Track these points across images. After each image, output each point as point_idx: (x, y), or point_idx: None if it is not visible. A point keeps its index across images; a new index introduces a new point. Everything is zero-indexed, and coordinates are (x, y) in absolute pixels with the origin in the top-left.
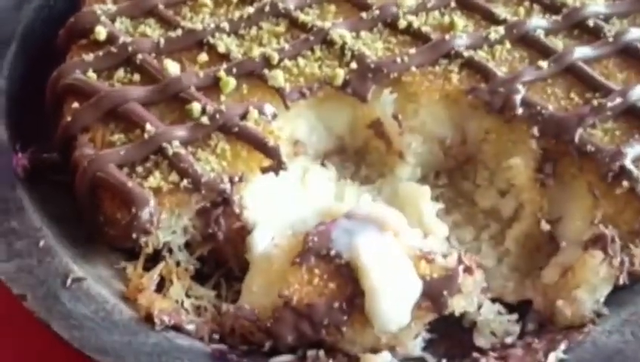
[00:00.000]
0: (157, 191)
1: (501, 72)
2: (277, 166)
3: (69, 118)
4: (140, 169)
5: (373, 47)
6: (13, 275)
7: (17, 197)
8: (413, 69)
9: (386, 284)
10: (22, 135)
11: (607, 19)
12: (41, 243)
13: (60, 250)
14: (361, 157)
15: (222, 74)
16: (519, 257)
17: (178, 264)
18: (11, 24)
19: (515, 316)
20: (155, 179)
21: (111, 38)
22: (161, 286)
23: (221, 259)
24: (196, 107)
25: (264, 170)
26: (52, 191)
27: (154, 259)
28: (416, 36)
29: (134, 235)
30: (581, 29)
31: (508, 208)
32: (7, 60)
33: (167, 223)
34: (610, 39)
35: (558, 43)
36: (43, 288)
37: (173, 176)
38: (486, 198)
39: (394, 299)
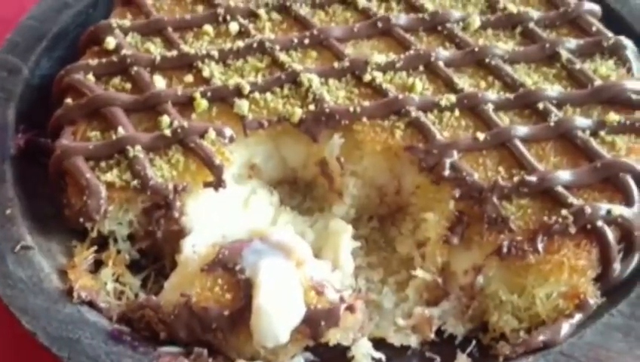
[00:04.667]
0: (110, 185)
1: (442, 136)
2: (217, 183)
3: (60, 111)
4: (103, 164)
5: (335, 93)
6: None
7: (3, 170)
8: (364, 119)
9: (272, 304)
10: (29, 120)
11: (560, 105)
12: (8, 211)
13: (22, 220)
14: (308, 190)
15: (197, 95)
16: (416, 304)
17: (119, 252)
18: (49, 24)
19: (382, 356)
20: (111, 175)
21: (118, 49)
22: (99, 267)
23: (158, 255)
24: (165, 120)
25: (206, 185)
26: (36, 171)
27: (105, 244)
28: (377, 91)
29: (81, 220)
30: (532, 110)
31: (418, 259)
32: (36, 53)
33: (114, 215)
34: (552, 124)
35: (505, 119)
36: None
37: (127, 176)
38: (404, 246)
39: (275, 319)
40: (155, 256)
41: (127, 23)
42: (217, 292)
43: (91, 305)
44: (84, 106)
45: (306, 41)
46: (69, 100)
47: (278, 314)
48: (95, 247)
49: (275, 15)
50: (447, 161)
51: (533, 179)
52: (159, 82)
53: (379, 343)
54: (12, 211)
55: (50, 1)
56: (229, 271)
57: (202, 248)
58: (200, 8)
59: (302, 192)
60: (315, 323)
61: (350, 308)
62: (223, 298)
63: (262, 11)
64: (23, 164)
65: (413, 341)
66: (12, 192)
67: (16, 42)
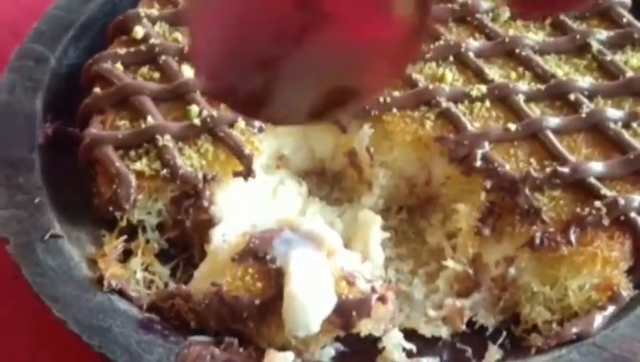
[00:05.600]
0: (140, 174)
1: (473, 126)
2: (247, 173)
3: (88, 100)
4: (132, 153)
5: None
6: (5, 221)
7: (31, 159)
8: (394, 110)
9: (304, 293)
10: (56, 109)
11: (591, 96)
12: (37, 200)
13: (51, 209)
14: (336, 181)
15: None
16: (447, 296)
17: (148, 241)
18: (76, 14)
19: (413, 347)
20: (140, 164)
21: (146, 38)
22: (128, 258)
23: (187, 244)
24: (194, 109)
25: (235, 174)
26: (65, 160)
27: (133, 234)
28: (406, 81)
29: (111, 209)
30: (563, 101)
31: (449, 250)
32: (63, 43)
33: (143, 204)
34: (584, 115)
35: (536, 110)
36: (24, 237)
37: (157, 165)
38: (434, 237)
39: (306, 309)
40: (183, 245)
41: (155, 12)
42: (248, 282)
43: (121, 293)
44: (113, 95)
45: None
46: (97, 89)
47: (309, 303)
48: (125, 236)
49: None
50: (479, 152)
51: (565, 170)
52: (187, 71)
53: (409, 334)
54: (41, 200)
55: None
56: (259, 261)
57: (232, 237)
58: None
59: (330, 183)
60: (346, 313)
61: (382, 299)
62: (254, 287)
63: None
64: (51, 153)
65: (444, 332)
66: (40, 181)
67: (42, 31)
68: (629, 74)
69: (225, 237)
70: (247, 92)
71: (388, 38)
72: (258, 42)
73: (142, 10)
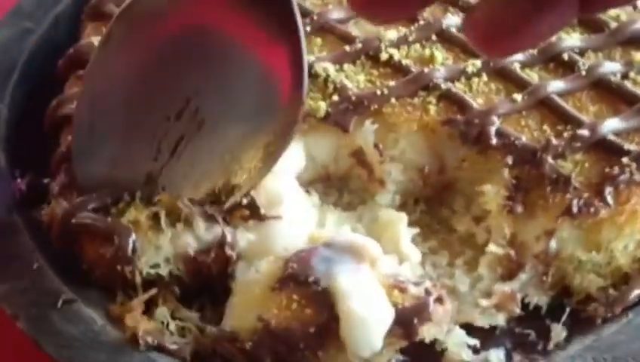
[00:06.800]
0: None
1: (477, 103)
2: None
3: (63, 149)
4: (113, 210)
5: (355, 79)
6: (7, 296)
7: (13, 221)
8: (393, 100)
9: (360, 311)
10: (21, 162)
11: (582, 52)
12: (35, 265)
13: (53, 272)
14: (344, 184)
15: None
16: (492, 282)
17: (166, 286)
18: (14, 54)
19: (476, 342)
20: (132, 213)
21: None
22: (148, 308)
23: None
24: None
25: (243, 218)
26: None
27: (145, 285)
28: (397, 69)
29: (119, 267)
30: (556, 62)
31: (481, 235)
32: (9, 89)
33: (149, 256)
34: (584, 73)
35: (533, 76)
36: (35, 309)
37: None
38: (462, 224)
39: (367, 326)
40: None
41: None
42: (296, 310)
43: (159, 349)
44: None
45: (307, 28)
46: (69, 137)
47: (369, 319)
48: (153, 290)
49: None
50: (492, 129)
51: (585, 132)
52: None
53: (463, 328)
54: (39, 264)
55: (7, 31)
56: (302, 285)
57: (263, 265)
58: None
59: (337, 188)
60: (407, 322)
61: (439, 300)
62: (304, 314)
63: None
64: (30, 211)
65: (500, 319)
66: (32, 243)
67: None
68: (613, 24)
69: (255, 267)
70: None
71: None
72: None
73: (95, 40)
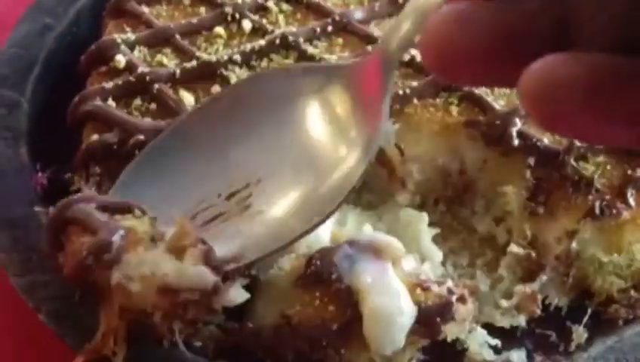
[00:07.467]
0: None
1: (499, 105)
2: None
3: (87, 146)
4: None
5: None
6: (29, 289)
7: (35, 214)
8: (415, 101)
9: (383, 309)
10: (42, 156)
11: None
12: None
13: None
14: (364, 183)
15: None
16: (512, 283)
17: None
18: (35, 50)
19: (498, 342)
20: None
21: (129, 67)
22: None
23: None
24: None
25: None
26: None
27: None
28: (419, 69)
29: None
30: None
31: (502, 235)
32: (30, 84)
33: None
34: None
35: None
36: (56, 303)
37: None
38: (482, 224)
39: (390, 324)
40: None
41: (131, 36)
42: (319, 307)
43: (184, 343)
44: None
45: (329, 28)
46: (95, 136)
47: (393, 318)
48: None
49: (285, 6)
50: (514, 130)
51: None
52: (187, 98)
53: (484, 329)
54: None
55: (27, 26)
56: (325, 283)
57: (285, 262)
58: (203, 10)
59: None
60: (429, 320)
61: (461, 299)
62: (327, 311)
63: (271, 3)
64: (51, 204)
65: (521, 320)
66: None
67: (5, 75)
68: None
69: (278, 264)
70: None
71: None
72: None
73: (117, 36)
